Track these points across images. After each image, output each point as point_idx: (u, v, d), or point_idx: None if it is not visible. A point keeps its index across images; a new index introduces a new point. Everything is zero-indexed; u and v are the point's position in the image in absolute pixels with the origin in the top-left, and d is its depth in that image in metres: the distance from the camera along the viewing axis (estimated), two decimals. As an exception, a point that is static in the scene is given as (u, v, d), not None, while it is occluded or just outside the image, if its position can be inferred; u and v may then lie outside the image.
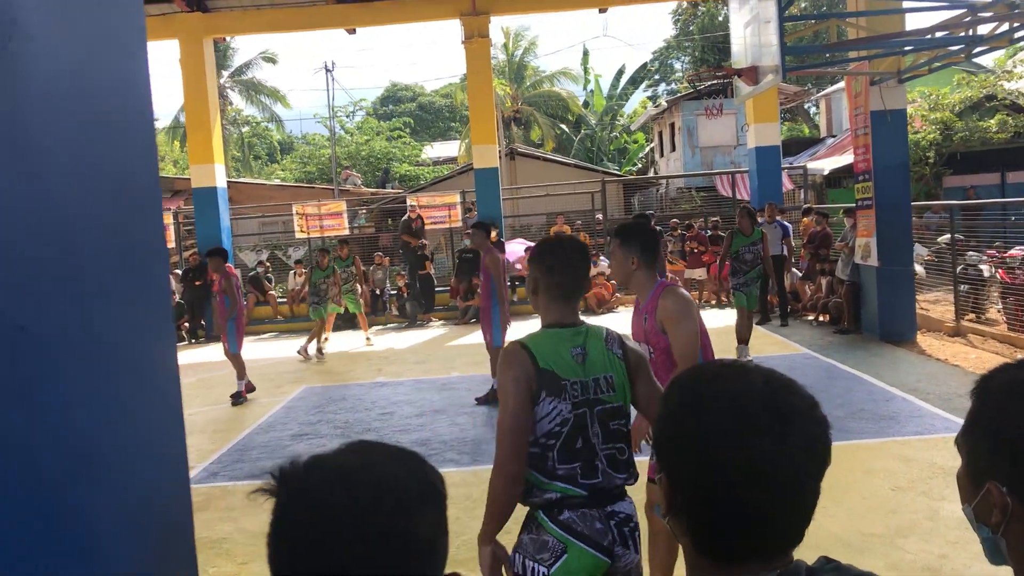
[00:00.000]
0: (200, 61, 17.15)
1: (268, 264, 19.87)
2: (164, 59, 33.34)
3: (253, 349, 11.73)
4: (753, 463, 1.04)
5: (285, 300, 18.41)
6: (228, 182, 18.80)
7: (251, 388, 10.66)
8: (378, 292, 17.84)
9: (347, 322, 17.32)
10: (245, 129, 40.44)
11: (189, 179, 18.58)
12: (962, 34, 9.92)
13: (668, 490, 1.12)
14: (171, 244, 19.53)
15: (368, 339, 14.60)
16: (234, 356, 10.43)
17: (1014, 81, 21.75)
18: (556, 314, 2.74)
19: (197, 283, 16.84)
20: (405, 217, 18.64)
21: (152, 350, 2.21)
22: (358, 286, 14.64)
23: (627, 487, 2.72)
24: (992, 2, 9.25)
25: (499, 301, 9.08)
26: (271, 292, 18.69)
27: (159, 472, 2.21)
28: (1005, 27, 9.43)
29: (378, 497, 1.03)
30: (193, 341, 16.89)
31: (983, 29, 9.70)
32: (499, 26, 37.37)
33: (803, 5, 30.67)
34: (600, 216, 20.44)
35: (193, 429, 8.62)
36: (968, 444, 1.22)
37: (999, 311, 11.48)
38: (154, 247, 2.26)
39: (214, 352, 15.16)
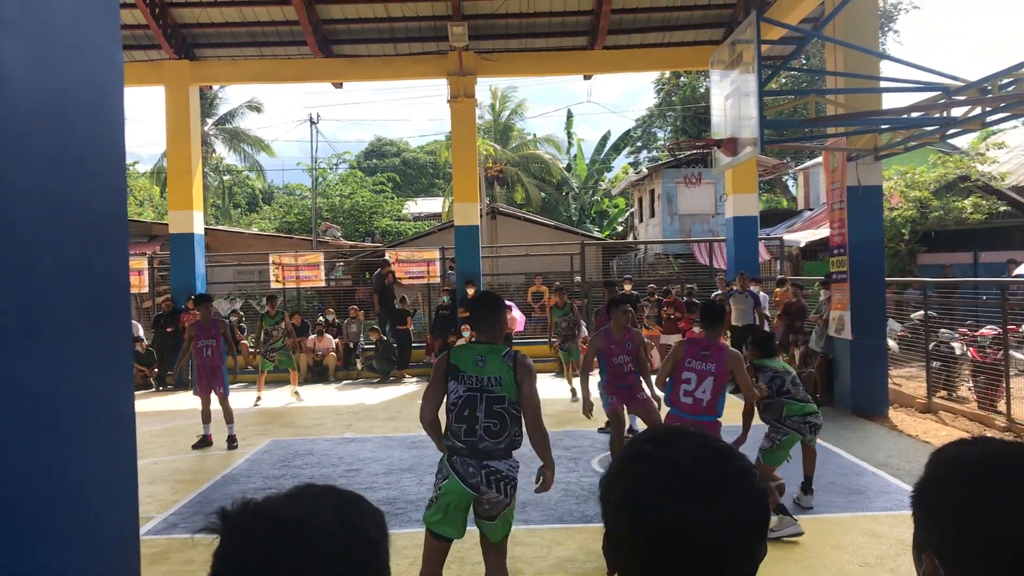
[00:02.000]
0: (185, 108, 17.22)
1: (242, 313, 19.72)
2: (150, 103, 33.49)
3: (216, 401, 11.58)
4: (678, 529, 1.05)
5: (256, 350, 18.22)
6: (206, 229, 18.75)
7: (209, 442, 10.47)
8: (351, 346, 17.72)
9: (319, 376, 17.18)
10: (226, 177, 40.47)
11: (167, 224, 18.51)
12: (937, 115, 10.13)
13: (607, 547, 1.14)
14: (144, 289, 19.35)
15: (296, 393, 14.50)
16: (226, 400, 10.48)
17: (987, 163, 22.24)
18: (475, 337, 4.52)
19: (168, 329, 16.66)
20: (378, 272, 18.62)
21: (110, 397, 2.16)
22: (289, 341, 14.55)
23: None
24: (965, 86, 9.48)
25: None
26: (243, 342, 18.51)
27: (109, 522, 2.14)
28: (978, 111, 9.65)
29: (307, 547, 1.02)
30: (161, 388, 16.64)
31: (957, 112, 9.92)
32: (487, 86, 37.93)
33: (783, 80, 31.34)
34: (578, 278, 20.50)
35: (156, 478, 8.47)
36: (914, 516, 1.26)
37: (970, 389, 11.55)
38: (117, 293, 2.22)
39: (182, 400, 14.95)
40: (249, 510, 1.06)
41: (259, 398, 14.10)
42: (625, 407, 7.86)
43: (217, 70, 17.94)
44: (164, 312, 17.09)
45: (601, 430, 10.44)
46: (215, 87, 31.41)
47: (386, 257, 19.12)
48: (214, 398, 10.51)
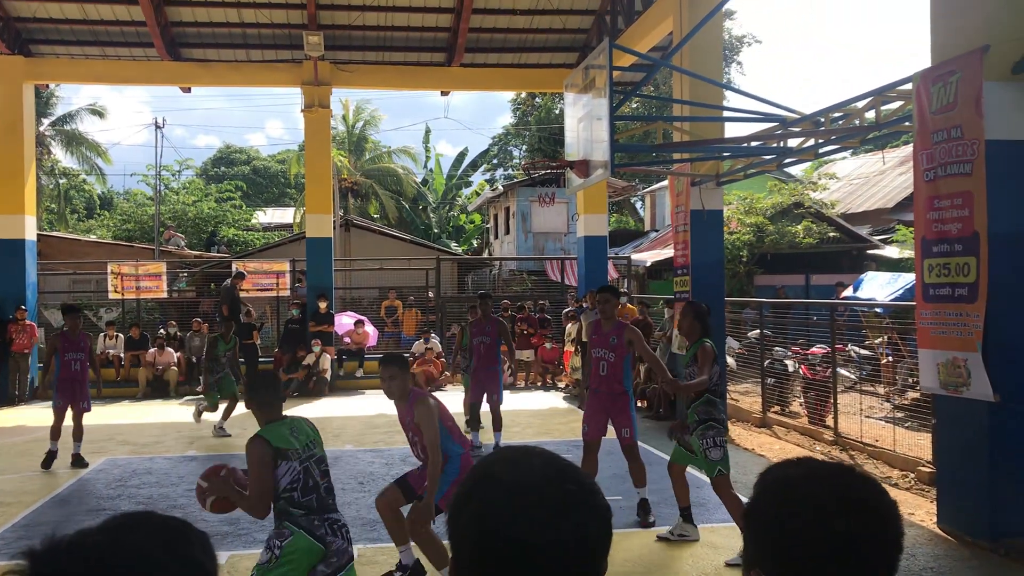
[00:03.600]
0: (18, 107, 16.21)
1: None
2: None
3: (51, 415, 10.90)
4: (523, 547, 1.06)
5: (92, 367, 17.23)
6: (39, 235, 17.66)
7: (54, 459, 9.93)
8: (194, 360, 17.04)
9: (159, 391, 16.43)
10: (63, 181, 38.24)
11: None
12: (774, 145, 10.71)
13: (455, 568, 1.14)
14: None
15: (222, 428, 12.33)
16: (82, 417, 10.10)
17: (819, 192, 23.67)
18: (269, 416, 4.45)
19: (-7, 341, 15.57)
20: (229, 283, 17.91)
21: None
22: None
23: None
24: (800, 119, 10.06)
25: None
26: (47, 342, 17.48)
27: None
28: (811, 142, 10.26)
29: None
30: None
31: (793, 142, 10.52)
32: (339, 98, 37.43)
33: (634, 106, 32.40)
34: (432, 293, 20.48)
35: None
36: (743, 533, 1.32)
37: (801, 404, 12.21)
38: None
39: (6, 416, 13.99)
40: (60, 548, 0.96)
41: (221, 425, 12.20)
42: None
43: (55, 68, 16.99)
44: (-12, 323, 15.96)
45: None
46: (52, 85, 29.63)
47: (235, 267, 18.48)
48: (40, 409, 9.95)
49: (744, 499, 6.54)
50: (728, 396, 12.68)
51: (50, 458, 9.88)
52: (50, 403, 10.41)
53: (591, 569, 1.11)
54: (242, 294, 17.57)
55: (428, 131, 55.87)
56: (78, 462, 9.92)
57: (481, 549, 1.09)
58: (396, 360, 5.58)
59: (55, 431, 9.97)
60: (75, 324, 10.28)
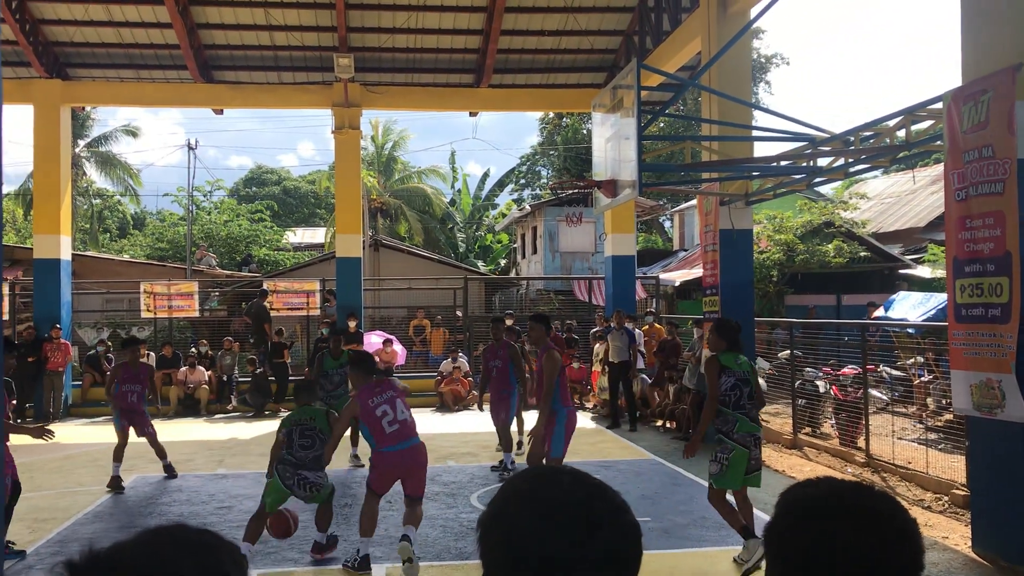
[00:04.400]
0: (55, 129, 16.54)
1: (109, 343, 18.86)
2: (16, 122, 31.89)
3: (85, 433, 11.05)
4: (553, 564, 1.07)
5: (151, 401, 17.41)
6: (73, 255, 17.95)
7: (120, 485, 9.76)
8: (225, 378, 17.19)
9: (190, 409, 16.58)
10: (97, 201, 38.83)
11: (31, 249, 17.64)
12: (804, 164, 10.67)
13: None
14: (4, 316, 18.27)
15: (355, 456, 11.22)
16: (156, 438, 10.40)
17: (849, 211, 23.50)
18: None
19: (30, 359, 15.78)
20: (258, 303, 18.06)
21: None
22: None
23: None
24: (830, 138, 10.03)
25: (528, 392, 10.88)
26: (109, 373, 17.72)
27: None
28: (841, 161, 10.21)
29: None
30: (19, 421, 15.70)
31: (822, 161, 10.47)
32: (368, 119, 37.75)
33: (661, 125, 32.40)
34: (460, 313, 20.53)
35: (13, 517, 7.95)
36: (765, 552, 1.32)
37: (832, 426, 12.08)
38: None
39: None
40: (97, 561, 1.00)
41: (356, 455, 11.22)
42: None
43: (91, 91, 17.32)
44: (25, 341, 16.20)
45: (494, 468, 10.46)
46: (88, 108, 30.14)
47: (264, 288, 18.65)
48: (77, 427, 10.11)
49: (764, 516, 6.64)
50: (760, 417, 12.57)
51: (115, 483, 9.70)
52: (84, 419, 10.59)
53: None
54: (277, 314, 17.79)
55: (453, 153, 56.23)
56: (170, 472, 10.37)
57: (511, 566, 1.10)
58: (543, 320, 8.14)
59: (117, 454, 9.91)
60: (135, 356, 10.39)
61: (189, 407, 16.65)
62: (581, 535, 1.09)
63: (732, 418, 6.50)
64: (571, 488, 1.15)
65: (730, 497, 6.71)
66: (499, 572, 1.12)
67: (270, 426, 14.82)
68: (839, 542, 1.21)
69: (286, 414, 6.98)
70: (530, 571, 1.08)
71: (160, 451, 10.34)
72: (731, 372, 6.52)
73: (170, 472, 10.35)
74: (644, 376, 14.99)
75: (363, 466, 10.35)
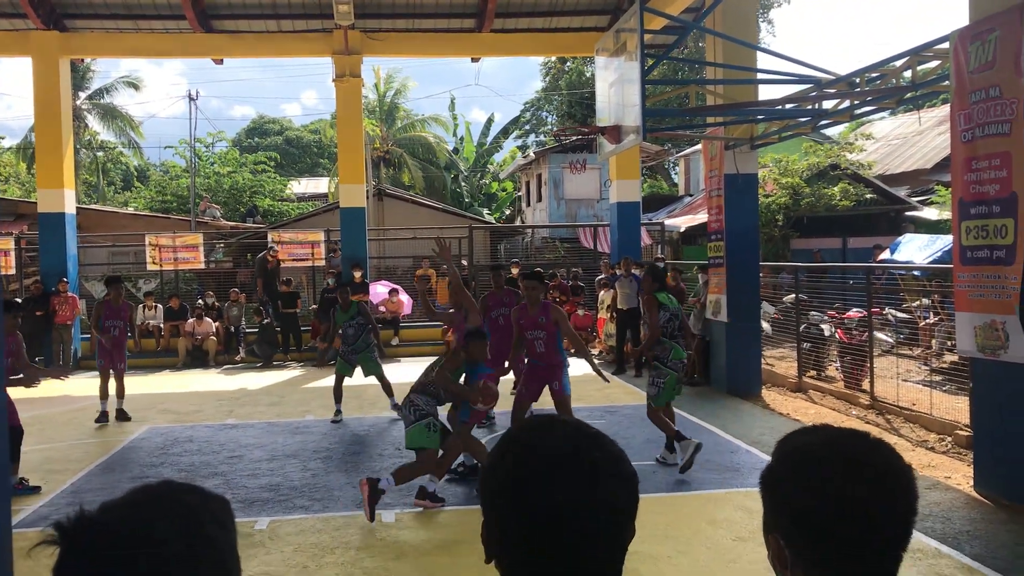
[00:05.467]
0: (55, 82, 16.40)
1: (117, 296, 18.93)
2: (16, 74, 31.62)
3: (95, 385, 11.18)
4: (557, 512, 1.10)
5: (132, 334, 17.54)
6: (78, 208, 17.93)
7: (107, 419, 10.89)
8: (233, 330, 17.29)
9: (199, 360, 16.70)
10: (100, 154, 38.67)
11: (35, 203, 17.62)
12: (809, 107, 10.57)
13: (486, 534, 1.18)
14: (11, 271, 18.35)
15: (396, 406, 9.84)
16: (123, 376, 11.13)
17: (855, 153, 23.30)
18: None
19: (39, 313, 15.87)
20: (261, 256, 18.14)
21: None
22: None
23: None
24: (835, 80, 9.92)
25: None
26: (94, 310, 17.81)
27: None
28: (846, 103, 10.11)
29: (146, 561, 1.00)
30: (36, 365, 15.86)
31: (828, 104, 10.37)
32: (370, 66, 37.38)
33: (665, 69, 32.02)
34: (465, 262, 20.53)
35: (25, 468, 8.10)
36: (762, 499, 1.35)
37: (837, 369, 12.14)
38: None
39: (51, 387, 14.31)
40: (85, 523, 1.02)
41: (338, 412, 10.67)
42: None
43: (89, 43, 17.13)
44: (33, 295, 16.27)
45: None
46: (87, 59, 29.86)
47: (270, 242, 18.66)
48: (86, 379, 10.57)
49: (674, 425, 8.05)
50: (764, 360, 12.65)
51: (102, 417, 10.83)
52: (93, 372, 10.97)
53: (618, 534, 1.15)
54: (282, 265, 17.86)
55: (453, 100, 55.80)
56: (122, 416, 10.90)
57: (511, 515, 1.13)
58: (537, 277, 8.03)
59: (103, 392, 10.93)
60: (117, 294, 11.08)
61: (197, 358, 16.77)
62: (579, 484, 1.11)
63: (668, 346, 7.84)
64: (570, 438, 1.17)
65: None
66: (500, 522, 1.15)
67: (279, 376, 15.00)
68: (832, 490, 1.23)
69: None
70: (528, 518, 1.11)
71: (120, 390, 10.99)
72: (666, 308, 7.87)
73: (122, 416, 10.88)
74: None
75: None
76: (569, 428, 1.20)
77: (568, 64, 39.37)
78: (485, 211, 36.58)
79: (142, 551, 1.01)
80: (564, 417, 1.26)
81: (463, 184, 38.62)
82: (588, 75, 36.79)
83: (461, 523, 6.52)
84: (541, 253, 26.68)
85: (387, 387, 10.69)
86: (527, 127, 45.51)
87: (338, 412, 10.65)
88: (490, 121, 41.21)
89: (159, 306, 17.73)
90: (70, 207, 16.74)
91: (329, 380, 11.41)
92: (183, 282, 20.40)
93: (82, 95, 35.17)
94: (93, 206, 30.12)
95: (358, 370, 10.73)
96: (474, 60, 19.28)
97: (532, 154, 32.78)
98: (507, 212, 38.13)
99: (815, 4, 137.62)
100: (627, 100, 10.12)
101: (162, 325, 17.32)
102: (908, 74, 8.99)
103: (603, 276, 16.66)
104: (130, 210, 31.58)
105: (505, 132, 42.46)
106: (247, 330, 17.50)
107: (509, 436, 1.22)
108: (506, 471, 1.16)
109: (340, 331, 10.77)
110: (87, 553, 1.00)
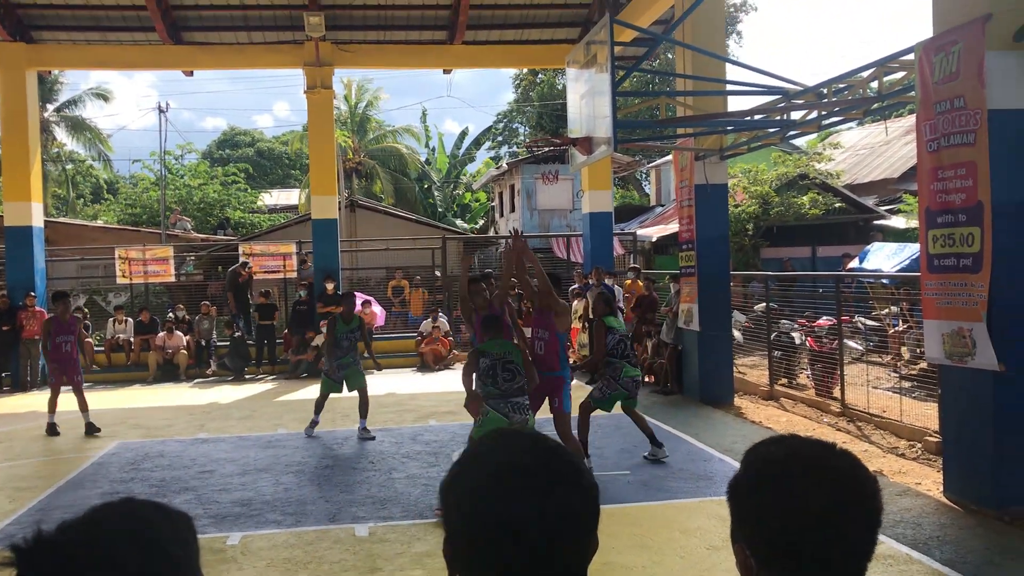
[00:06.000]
0: (22, 94, 16.23)
1: (86, 311, 18.72)
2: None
3: (65, 400, 11.02)
4: (508, 523, 1.09)
5: (103, 348, 17.36)
6: (46, 221, 17.72)
7: (57, 431, 10.85)
8: (203, 343, 17.14)
9: (169, 374, 16.54)
10: (69, 166, 38.22)
11: (1, 216, 17.41)
12: (777, 118, 10.68)
13: (448, 549, 1.17)
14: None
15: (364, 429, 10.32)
16: (81, 389, 10.98)
17: (824, 162, 23.58)
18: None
19: (6, 328, 15.66)
20: (233, 269, 18.03)
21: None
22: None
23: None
24: (803, 91, 10.03)
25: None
26: (88, 340, 17.60)
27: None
28: (815, 114, 10.23)
29: None
30: (-3, 390, 15.65)
31: (796, 114, 10.48)
32: (341, 78, 37.31)
33: (635, 80, 32.23)
34: (439, 272, 20.51)
35: (-10, 486, 7.96)
36: (729, 508, 1.36)
37: (808, 376, 12.24)
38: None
39: (19, 403, 14.12)
40: (42, 544, 1.00)
41: (314, 423, 10.50)
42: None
43: (57, 54, 16.99)
44: (0, 310, 16.06)
45: None
46: (55, 72, 29.58)
47: (241, 254, 18.53)
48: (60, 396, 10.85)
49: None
50: (736, 369, 12.73)
51: (51, 429, 10.87)
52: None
53: (579, 544, 1.14)
54: (255, 277, 17.76)
55: (425, 112, 55.80)
56: (91, 429, 10.74)
57: (470, 527, 1.13)
58: (483, 279, 8.32)
59: (51, 405, 10.90)
60: (65, 309, 10.99)
61: (168, 372, 16.61)
62: (536, 495, 1.11)
63: (619, 366, 8.20)
64: (527, 450, 1.17)
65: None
66: (459, 531, 1.14)
67: (250, 390, 14.89)
68: (796, 500, 1.24)
69: (484, 344, 6.92)
70: (487, 530, 1.10)
71: (83, 404, 10.88)
72: (615, 331, 8.33)
73: (91, 430, 10.73)
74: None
75: (373, 438, 9.98)
76: (526, 440, 1.20)
77: (540, 76, 39.51)
78: (459, 221, 36.56)
79: (99, 572, 1.00)
80: (523, 430, 1.27)
81: (436, 195, 38.59)
82: (560, 87, 36.95)
83: (436, 536, 6.50)
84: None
85: (365, 406, 10.24)
86: (500, 138, 45.61)
87: (313, 423, 10.40)
88: (464, 133, 41.30)
89: (129, 320, 17.54)
90: (38, 220, 16.54)
91: (301, 393, 11.39)
92: (153, 295, 20.20)
93: (50, 107, 34.78)
94: (62, 219, 29.78)
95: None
96: (446, 72, 19.32)
97: (505, 165, 32.83)
98: (481, 222, 38.13)
99: (783, 12, 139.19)
100: (598, 112, 10.18)
101: (132, 339, 17.14)
102: (875, 85, 9.12)
103: (576, 286, 16.71)
104: (100, 223, 31.25)
105: (478, 143, 42.52)
106: (218, 343, 17.36)
107: (467, 450, 1.24)
108: (463, 484, 1.16)
109: (335, 342, 10.31)
110: (44, 574, 0.99)
